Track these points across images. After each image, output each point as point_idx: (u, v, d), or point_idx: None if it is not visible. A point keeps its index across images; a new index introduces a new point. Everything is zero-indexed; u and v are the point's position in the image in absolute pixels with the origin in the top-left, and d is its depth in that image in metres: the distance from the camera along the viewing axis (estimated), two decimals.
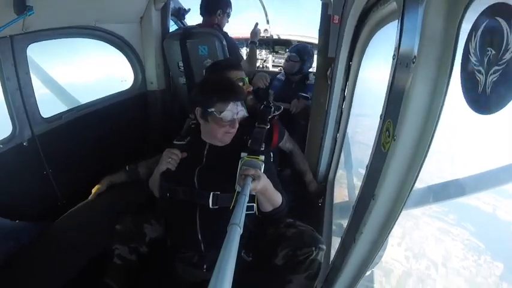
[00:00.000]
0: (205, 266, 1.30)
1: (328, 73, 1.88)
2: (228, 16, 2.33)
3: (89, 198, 1.62)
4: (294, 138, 2.13)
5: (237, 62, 1.79)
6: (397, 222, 0.70)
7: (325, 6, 1.77)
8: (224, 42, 2.17)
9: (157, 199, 1.39)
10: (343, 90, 1.97)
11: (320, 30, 1.79)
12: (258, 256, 1.35)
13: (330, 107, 1.95)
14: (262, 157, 1.26)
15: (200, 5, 2.26)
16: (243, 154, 1.26)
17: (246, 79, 1.66)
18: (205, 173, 1.29)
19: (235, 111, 1.25)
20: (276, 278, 1.20)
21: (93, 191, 1.64)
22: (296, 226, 1.31)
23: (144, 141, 2.46)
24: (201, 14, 2.29)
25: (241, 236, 0.75)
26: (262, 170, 1.21)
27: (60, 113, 1.77)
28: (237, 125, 1.28)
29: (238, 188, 1.18)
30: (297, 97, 2.45)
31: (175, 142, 1.38)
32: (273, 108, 1.74)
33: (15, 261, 1.27)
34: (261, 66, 3.32)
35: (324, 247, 1.20)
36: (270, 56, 3.31)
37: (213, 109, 1.23)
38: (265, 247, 1.31)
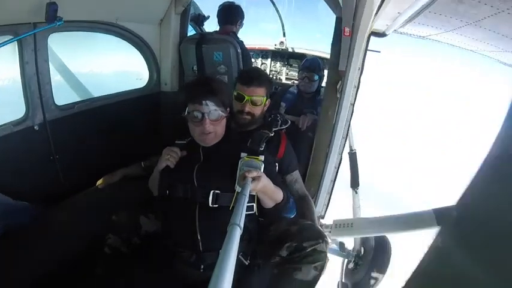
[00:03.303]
0: (202, 266, 1.27)
1: (338, 86, 1.86)
2: (242, 25, 2.41)
3: (98, 184, 1.66)
4: (301, 150, 2.12)
5: (265, 77, 1.69)
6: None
7: (339, 20, 1.79)
8: (239, 50, 2.22)
9: (157, 197, 1.40)
10: (353, 104, 1.94)
11: (332, 43, 1.79)
12: (258, 257, 1.32)
13: (337, 122, 1.93)
14: (262, 157, 1.27)
15: (220, 13, 2.34)
16: (242, 154, 1.27)
17: (248, 98, 1.59)
18: (205, 171, 1.30)
19: (204, 110, 1.24)
20: (283, 267, 1.20)
21: (100, 181, 1.68)
22: (299, 223, 1.31)
23: (153, 139, 2.50)
24: (219, 22, 2.36)
25: (241, 238, 0.75)
26: (262, 170, 1.21)
27: (74, 102, 1.84)
28: (207, 125, 1.25)
29: (238, 188, 1.18)
30: (305, 113, 2.43)
31: (176, 142, 1.40)
32: (280, 121, 1.75)
33: (11, 237, 1.30)
34: (274, 78, 3.36)
35: (329, 240, 1.22)
36: (284, 68, 3.34)
37: (187, 109, 1.27)
38: (267, 246, 1.30)
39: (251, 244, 1.36)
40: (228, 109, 1.37)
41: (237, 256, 1.26)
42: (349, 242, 3.38)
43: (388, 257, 2.94)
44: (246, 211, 0.93)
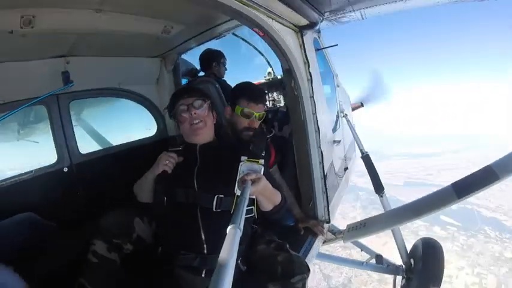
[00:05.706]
0: (204, 271, 1.30)
1: (292, 85, 2.01)
2: (224, 65, 2.86)
3: None
4: (289, 156, 2.23)
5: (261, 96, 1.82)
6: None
7: None
8: (217, 86, 2.60)
9: (152, 203, 1.42)
10: (312, 97, 2.04)
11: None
12: (251, 270, 1.35)
13: (305, 116, 2.03)
14: (262, 161, 1.30)
15: (200, 62, 2.87)
16: (243, 158, 1.30)
17: (257, 115, 1.74)
18: (204, 174, 1.37)
19: (188, 102, 1.39)
20: None
21: None
22: (287, 250, 1.35)
23: None
24: (201, 69, 2.88)
25: (240, 242, 0.77)
26: (262, 173, 1.24)
27: (95, 151, 2.38)
28: (193, 112, 1.36)
29: (237, 192, 1.19)
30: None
31: (170, 149, 1.45)
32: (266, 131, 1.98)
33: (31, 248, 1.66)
34: (274, 106, 3.62)
35: (309, 273, 1.26)
36: (281, 95, 3.59)
37: (175, 108, 1.43)
38: (258, 264, 1.33)
39: (246, 249, 1.39)
40: (216, 114, 1.52)
41: (236, 262, 1.30)
42: (397, 258, 2.97)
43: (439, 261, 2.49)
44: (246, 214, 0.96)
